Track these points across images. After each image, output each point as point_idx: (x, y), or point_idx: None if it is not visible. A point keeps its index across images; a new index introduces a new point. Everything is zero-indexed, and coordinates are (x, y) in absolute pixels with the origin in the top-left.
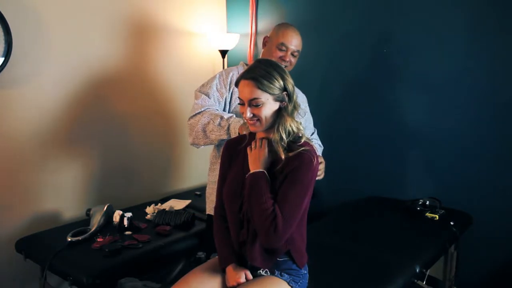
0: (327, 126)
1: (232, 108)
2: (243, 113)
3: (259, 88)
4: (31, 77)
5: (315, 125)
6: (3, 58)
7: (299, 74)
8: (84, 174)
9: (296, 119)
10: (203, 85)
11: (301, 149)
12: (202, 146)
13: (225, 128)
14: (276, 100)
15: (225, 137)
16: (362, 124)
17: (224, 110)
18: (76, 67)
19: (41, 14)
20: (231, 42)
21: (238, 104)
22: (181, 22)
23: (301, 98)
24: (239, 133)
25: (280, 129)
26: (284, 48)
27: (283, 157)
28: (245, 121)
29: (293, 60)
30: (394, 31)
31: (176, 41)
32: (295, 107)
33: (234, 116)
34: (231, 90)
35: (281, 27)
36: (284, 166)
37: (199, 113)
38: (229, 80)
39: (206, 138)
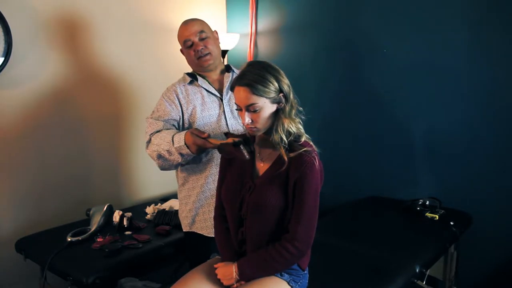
0: (327, 126)
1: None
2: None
3: (255, 94)
4: (31, 77)
5: (316, 125)
6: (3, 58)
7: (298, 74)
8: (84, 174)
9: (294, 117)
10: (152, 111)
11: (302, 150)
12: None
13: (177, 154)
14: (273, 102)
15: (186, 158)
16: (362, 125)
17: (182, 120)
18: (76, 67)
19: (41, 14)
20: (231, 42)
21: (236, 109)
22: (181, 22)
23: None
24: (196, 142)
25: (279, 130)
26: (189, 42)
27: (286, 158)
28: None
29: (209, 44)
30: (395, 30)
31: (176, 41)
32: (293, 106)
33: (171, 137)
34: (180, 105)
35: (178, 31)
36: (288, 168)
37: (148, 142)
38: (174, 96)
39: (172, 162)
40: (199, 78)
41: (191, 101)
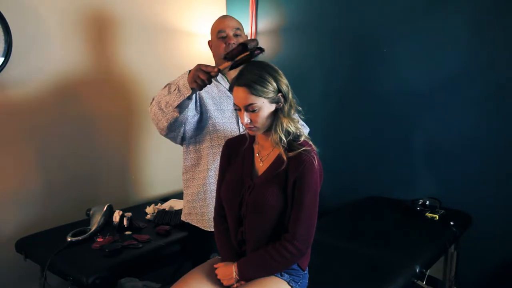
0: (328, 126)
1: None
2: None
3: (253, 94)
4: (31, 77)
5: (316, 125)
6: (3, 58)
7: (298, 74)
8: (84, 174)
9: (294, 117)
10: None
11: (301, 149)
12: (167, 128)
13: (176, 90)
14: (271, 102)
15: (182, 98)
16: (362, 124)
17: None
18: (76, 67)
19: (41, 14)
20: None
21: (235, 109)
22: (181, 22)
23: None
24: (197, 81)
25: (278, 130)
26: (223, 34)
27: (285, 158)
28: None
29: (241, 40)
30: (395, 30)
31: (176, 41)
32: (292, 106)
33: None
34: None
35: (213, 23)
36: (288, 168)
37: (151, 102)
38: None
39: (166, 114)
40: (219, 74)
41: (205, 88)
